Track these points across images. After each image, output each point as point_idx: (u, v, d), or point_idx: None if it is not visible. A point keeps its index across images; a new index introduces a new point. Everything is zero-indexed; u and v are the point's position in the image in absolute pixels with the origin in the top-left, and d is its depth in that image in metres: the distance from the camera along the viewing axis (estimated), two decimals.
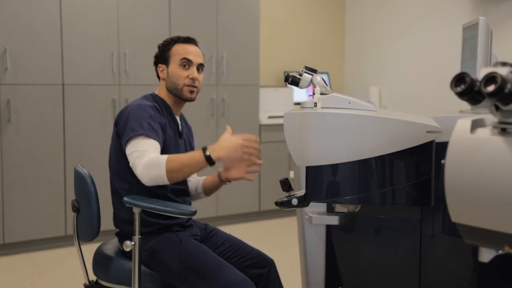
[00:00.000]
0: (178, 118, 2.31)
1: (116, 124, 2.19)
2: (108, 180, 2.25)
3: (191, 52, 2.25)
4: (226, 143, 2.06)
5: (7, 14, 3.86)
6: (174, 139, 2.23)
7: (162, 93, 2.29)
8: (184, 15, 4.52)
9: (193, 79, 2.23)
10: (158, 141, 2.10)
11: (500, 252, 1.31)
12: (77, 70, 4.13)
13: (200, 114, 4.59)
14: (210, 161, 2.03)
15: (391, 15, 5.50)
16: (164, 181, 2.02)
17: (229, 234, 2.36)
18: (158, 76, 2.32)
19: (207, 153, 2.03)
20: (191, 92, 2.24)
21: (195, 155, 2.04)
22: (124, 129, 2.12)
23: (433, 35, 5.06)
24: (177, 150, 2.22)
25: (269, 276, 2.25)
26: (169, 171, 2.00)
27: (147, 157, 2.01)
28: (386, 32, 5.55)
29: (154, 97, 2.27)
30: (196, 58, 2.26)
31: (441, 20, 4.97)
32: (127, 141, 2.09)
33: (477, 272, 1.96)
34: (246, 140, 2.07)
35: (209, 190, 2.41)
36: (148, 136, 2.07)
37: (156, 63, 2.32)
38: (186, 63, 2.23)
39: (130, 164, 2.07)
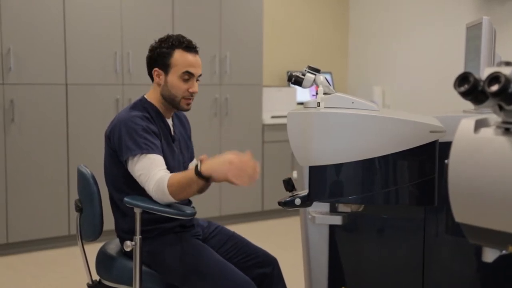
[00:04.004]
0: (170, 121, 2.26)
1: (109, 138, 2.14)
2: None
3: (193, 64, 2.16)
4: (219, 157, 1.92)
5: (11, 14, 3.86)
6: (168, 147, 2.18)
7: (154, 97, 2.21)
8: (187, 15, 4.52)
9: (193, 93, 2.17)
10: (158, 153, 2.06)
11: (504, 252, 1.31)
12: (80, 70, 4.13)
13: (203, 114, 4.59)
14: (201, 176, 1.90)
15: (395, 14, 5.49)
16: (174, 201, 2.00)
17: (233, 232, 2.34)
18: (151, 77, 2.23)
19: (198, 168, 1.92)
20: (188, 104, 2.19)
21: (190, 174, 1.94)
22: (120, 147, 2.08)
23: (436, 34, 5.05)
24: (172, 157, 2.18)
25: (273, 275, 2.24)
26: (173, 195, 1.96)
27: (153, 181, 1.97)
28: (389, 31, 5.55)
29: (144, 104, 2.20)
30: (197, 70, 2.18)
31: (445, 20, 4.97)
32: (126, 160, 2.07)
33: (480, 272, 1.96)
34: (238, 157, 1.89)
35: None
36: (147, 152, 2.03)
37: (151, 65, 2.21)
38: (188, 76, 2.16)
39: (142, 186, 2.03)
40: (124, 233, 2.17)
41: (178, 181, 1.95)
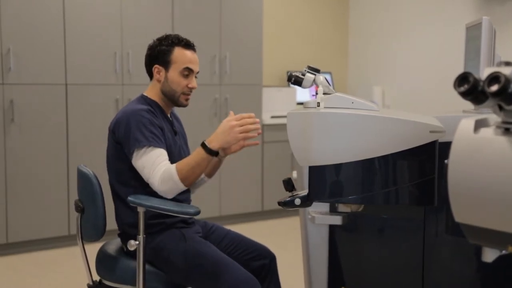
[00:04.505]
0: (169, 116, 2.32)
1: (113, 132, 2.17)
2: None
3: (193, 60, 2.25)
4: (219, 129, 2.09)
5: (11, 14, 3.86)
6: (172, 139, 2.24)
7: (154, 93, 2.27)
8: (187, 15, 4.52)
9: (192, 89, 2.24)
10: (163, 148, 2.12)
11: (504, 252, 1.31)
12: (80, 70, 4.13)
13: (203, 114, 4.59)
14: (212, 153, 2.07)
15: (395, 14, 5.50)
16: (183, 188, 2.09)
17: (229, 229, 2.39)
18: (149, 75, 2.29)
19: (207, 146, 2.07)
20: (187, 100, 2.26)
21: (199, 153, 2.08)
22: (127, 139, 2.11)
23: (436, 34, 5.06)
24: (176, 149, 2.24)
25: (270, 268, 2.29)
26: (183, 179, 2.06)
27: (159, 173, 2.05)
28: (389, 31, 5.55)
29: (146, 100, 2.26)
30: (196, 67, 2.26)
31: (445, 20, 4.97)
32: (132, 152, 2.10)
33: (480, 272, 1.96)
34: (238, 119, 2.08)
35: (210, 172, 2.35)
36: (154, 146, 2.09)
37: (151, 63, 2.27)
38: (188, 72, 2.23)
39: (145, 179, 2.10)
40: (129, 226, 2.18)
41: (187, 163, 2.07)
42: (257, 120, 2.11)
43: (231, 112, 2.16)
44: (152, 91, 2.27)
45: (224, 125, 2.08)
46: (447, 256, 1.96)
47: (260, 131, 2.12)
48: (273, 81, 5.51)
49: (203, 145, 2.07)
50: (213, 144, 2.07)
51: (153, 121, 2.14)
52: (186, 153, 2.35)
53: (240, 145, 2.17)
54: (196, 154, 2.09)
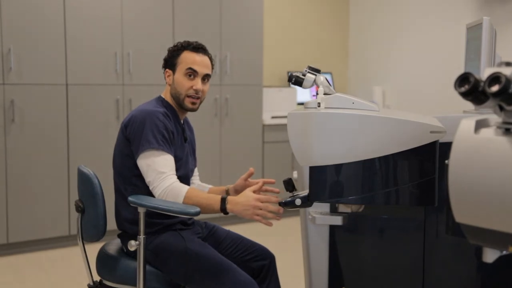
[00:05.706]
0: (182, 122, 2.32)
1: (126, 127, 2.18)
2: (112, 180, 2.26)
3: (198, 62, 2.22)
4: (242, 199, 1.99)
5: (11, 14, 3.86)
6: (181, 145, 2.25)
7: (168, 97, 2.29)
8: (187, 15, 4.51)
9: (196, 91, 2.22)
10: (171, 154, 2.13)
11: (504, 252, 1.31)
12: (81, 70, 4.13)
13: (203, 114, 4.58)
14: (224, 211, 2.01)
15: (395, 14, 5.50)
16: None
17: (229, 230, 2.39)
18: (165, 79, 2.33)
19: (225, 204, 2.00)
20: (193, 103, 2.23)
21: (214, 204, 2.02)
22: (138, 138, 2.11)
23: (436, 34, 5.05)
24: (184, 156, 2.24)
25: (269, 268, 2.30)
26: (184, 203, 2.04)
27: (167, 185, 2.05)
28: (389, 31, 5.55)
29: (162, 102, 2.27)
30: (202, 69, 2.23)
31: (445, 20, 4.97)
32: (140, 151, 2.10)
33: (481, 273, 1.96)
34: (261, 200, 1.98)
35: None
36: (164, 151, 2.09)
37: (164, 67, 2.31)
38: (192, 73, 2.22)
39: (147, 181, 2.09)
40: (129, 223, 2.19)
41: (198, 199, 2.03)
42: (277, 209, 1.99)
43: (251, 170, 2.22)
44: (167, 95, 2.29)
45: (248, 199, 1.98)
46: (447, 257, 1.97)
47: (279, 218, 2.01)
48: (274, 81, 5.51)
49: (223, 201, 2.01)
50: (229, 207, 2.00)
51: (167, 126, 2.14)
52: (192, 162, 2.36)
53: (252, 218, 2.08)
54: (211, 200, 2.03)
